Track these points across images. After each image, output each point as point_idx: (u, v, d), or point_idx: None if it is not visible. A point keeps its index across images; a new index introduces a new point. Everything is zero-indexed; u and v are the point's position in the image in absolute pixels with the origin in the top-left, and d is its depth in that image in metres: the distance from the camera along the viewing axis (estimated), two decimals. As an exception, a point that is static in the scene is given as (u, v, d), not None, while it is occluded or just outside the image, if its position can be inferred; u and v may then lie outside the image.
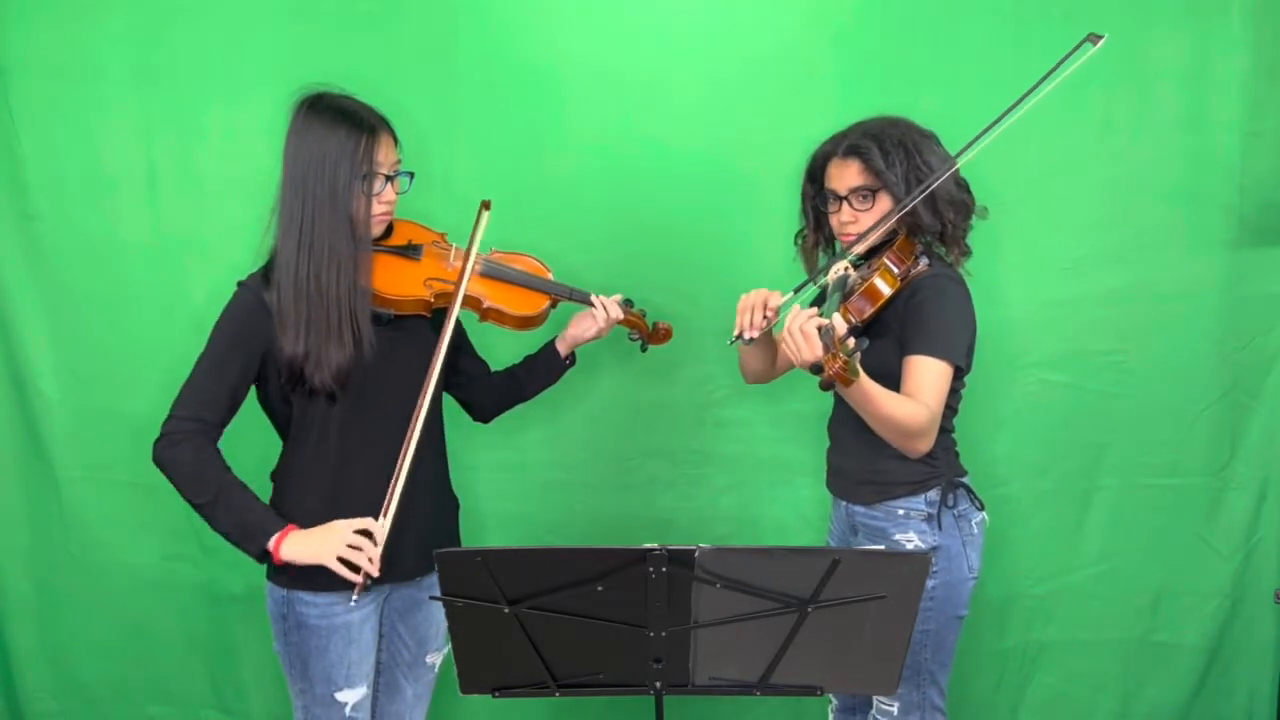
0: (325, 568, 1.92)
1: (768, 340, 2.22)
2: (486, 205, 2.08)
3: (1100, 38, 1.98)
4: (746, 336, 1.99)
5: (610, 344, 2.38)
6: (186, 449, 1.89)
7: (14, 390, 2.71)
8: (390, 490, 1.90)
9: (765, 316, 1.99)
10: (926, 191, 1.98)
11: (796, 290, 2.06)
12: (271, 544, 1.87)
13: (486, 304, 2.06)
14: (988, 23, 2.57)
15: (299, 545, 1.88)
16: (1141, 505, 2.74)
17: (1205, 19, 2.57)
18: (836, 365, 1.69)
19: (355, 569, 1.87)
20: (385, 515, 1.90)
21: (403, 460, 1.91)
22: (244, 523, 1.88)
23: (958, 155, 2.02)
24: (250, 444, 2.00)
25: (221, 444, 1.94)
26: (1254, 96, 2.58)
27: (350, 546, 1.87)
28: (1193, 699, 2.82)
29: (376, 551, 1.87)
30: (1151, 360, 2.68)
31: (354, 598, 1.89)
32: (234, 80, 2.58)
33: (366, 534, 1.88)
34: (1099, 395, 2.70)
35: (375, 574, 1.87)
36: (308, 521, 1.96)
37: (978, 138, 2.01)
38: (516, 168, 2.60)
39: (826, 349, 1.70)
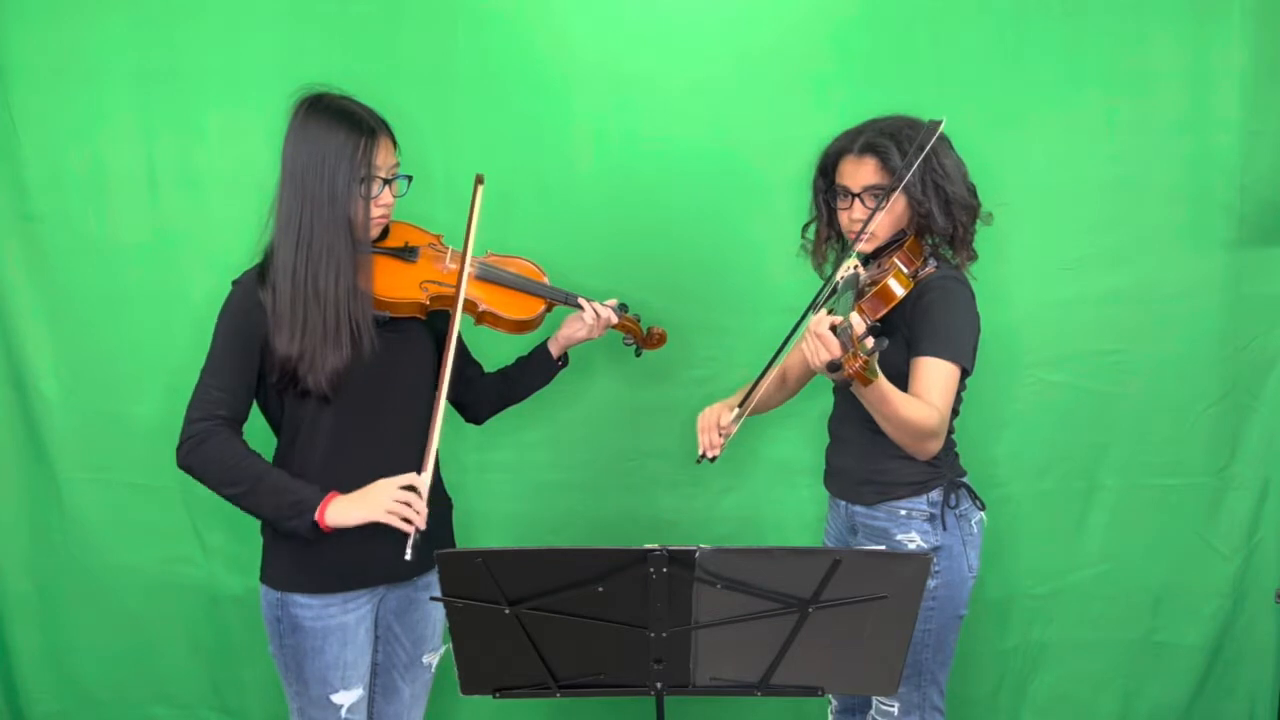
0: (320, 568, 1.94)
1: (778, 379, 2.25)
2: (480, 180, 2.07)
3: (940, 121, 1.99)
4: (710, 456, 2.09)
5: (609, 345, 2.38)
6: (210, 447, 1.88)
7: (14, 391, 2.71)
8: (427, 446, 1.92)
9: (722, 435, 2.07)
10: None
11: (750, 392, 2.08)
12: (316, 515, 1.86)
13: (482, 307, 2.06)
14: (988, 22, 2.57)
15: (344, 510, 1.87)
16: (1142, 505, 2.74)
17: (1205, 19, 2.57)
18: (856, 364, 1.68)
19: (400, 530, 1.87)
20: (425, 469, 1.90)
21: (435, 414, 1.93)
22: (284, 503, 1.87)
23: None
24: (250, 442, 1.99)
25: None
26: (1254, 96, 2.58)
27: (397, 501, 1.87)
28: (1194, 699, 2.82)
29: (422, 504, 1.87)
30: (1151, 360, 2.68)
31: (408, 554, 1.86)
32: (234, 81, 2.58)
33: (410, 489, 1.88)
34: (1099, 395, 2.70)
35: (423, 526, 1.86)
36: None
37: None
38: (515, 169, 2.59)
39: (845, 348, 1.68)
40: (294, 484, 1.89)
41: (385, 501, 1.86)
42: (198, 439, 1.88)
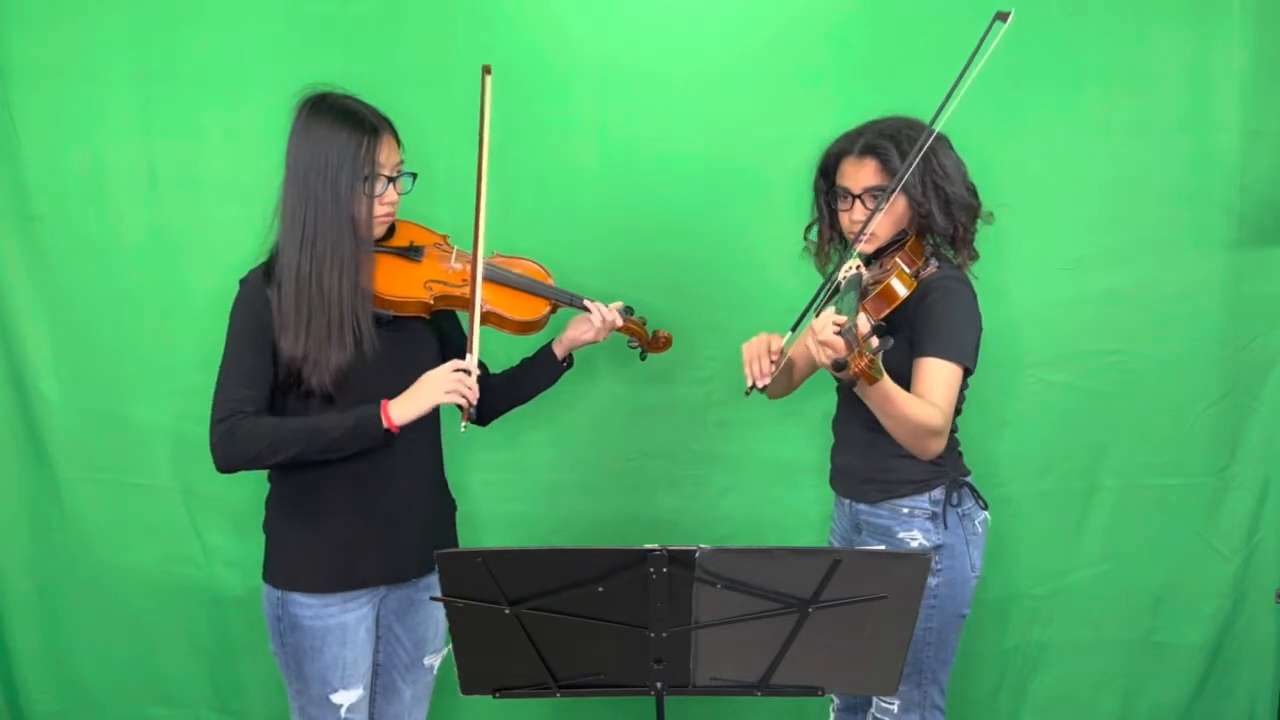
0: (320, 567, 1.95)
1: (785, 370, 2.23)
2: (488, 70, 2.05)
3: (1008, 14, 1.96)
4: (760, 385, 2.02)
5: (611, 345, 2.38)
6: (240, 438, 1.87)
7: (14, 391, 2.71)
8: (470, 326, 1.96)
9: (772, 361, 2.01)
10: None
11: (794, 327, 2.08)
12: (385, 427, 1.88)
13: (487, 308, 2.05)
14: (987, 21, 2.57)
15: (405, 407, 1.89)
16: (1142, 505, 2.74)
17: (1205, 19, 2.57)
18: (863, 363, 1.68)
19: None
20: (470, 352, 1.95)
21: (475, 294, 1.97)
22: (339, 438, 1.88)
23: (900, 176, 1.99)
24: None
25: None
26: (1254, 96, 2.58)
27: (452, 382, 1.90)
28: (1194, 699, 2.82)
29: (473, 381, 1.91)
30: (1151, 360, 2.68)
31: (463, 426, 1.92)
32: (234, 81, 2.58)
33: (460, 371, 1.91)
34: (1099, 395, 2.70)
35: (475, 401, 1.91)
36: (305, 522, 1.98)
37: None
38: (518, 169, 2.59)
39: (850, 347, 1.69)
40: (340, 416, 1.89)
41: (441, 385, 1.90)
42: (227, 437, 1.87)
